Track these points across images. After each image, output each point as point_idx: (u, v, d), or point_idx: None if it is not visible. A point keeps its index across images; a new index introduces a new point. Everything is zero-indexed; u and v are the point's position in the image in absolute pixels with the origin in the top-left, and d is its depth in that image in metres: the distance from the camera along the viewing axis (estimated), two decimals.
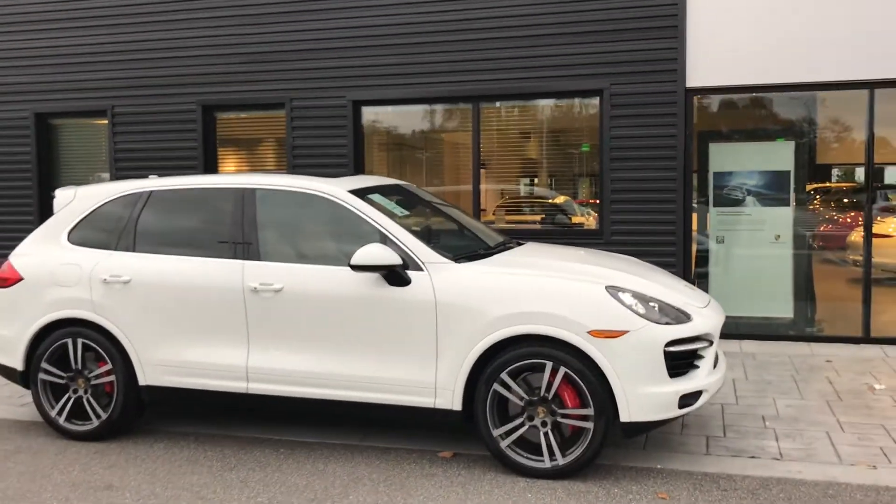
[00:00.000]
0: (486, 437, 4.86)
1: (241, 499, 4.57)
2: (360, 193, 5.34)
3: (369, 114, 9.42)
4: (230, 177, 5.60)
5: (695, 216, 8.71)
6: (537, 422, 4.78)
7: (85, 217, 5.76)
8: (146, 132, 9.98)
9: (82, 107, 10.20)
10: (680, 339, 4.72)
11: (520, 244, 6.12)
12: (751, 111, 8.65)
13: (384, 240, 5.07)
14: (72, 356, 5.55)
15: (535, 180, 9.26)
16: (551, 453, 4.76)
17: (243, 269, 5.26)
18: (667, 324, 4.72)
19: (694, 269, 8.71)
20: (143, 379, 5.44)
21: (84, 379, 5.55)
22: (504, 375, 4.78)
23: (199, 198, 5.55)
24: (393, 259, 4.86)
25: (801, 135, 8.48)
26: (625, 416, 4.63)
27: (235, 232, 5.37)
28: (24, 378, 5.70)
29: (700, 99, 8.59)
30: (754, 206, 8.58)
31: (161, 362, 5.39)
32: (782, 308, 8.59)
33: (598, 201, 8.79)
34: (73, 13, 10.12)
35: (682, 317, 4.84)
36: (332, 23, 9.26)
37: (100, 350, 5.49)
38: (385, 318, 4.96)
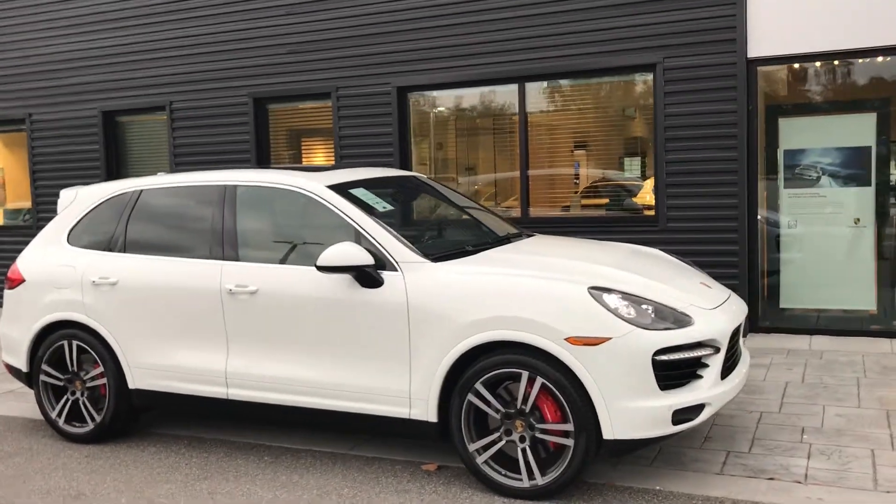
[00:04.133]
0: (462, 452, 4.47)
1: None
2: (342, 188, 5.02)
3: (415, 100, 9.08)
4: (215, 173, 5.41)
5: (763, 199, 7.93)
6: (515, 436, 4.35)
7: (83, 217, 5.72)
8: (202, 126, 10.02)
9: (144, 103, 10.35)
10: (674, 346, 4.17)
11: (529, 237, 5.66)
12: (825, 81, 7.76)
13: (358, 238, 4.74)
14: (68, 358, 5.53)
15: (582, 163, 8.68)
16: (530, 472, 4.32)
17: (221, 269, 5.06)
18: (664, 329, 4.18)
19: (762, 258, 7.94)
20: (133, 382, 5.34)
21: (80, 381, 5.51)
22: (479, 385, 4.37)
23: (184, 196, 5.39)
24: (362, 259, 4.52)
25: (883, 106, 7.54)
26: (608, 432, 4.13)
27: (216, 231, 5.17)
28: (29, 379, 5.72)
29: (765, 70, 7.77)
30: (830, 187, 7.72)
31: (148, 366, 5.27)
32: (863, 300, 7.70)
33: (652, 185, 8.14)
34: (133, 11, 10.25)
35: (683, 320, 4.28)
36: (373, 7, 8.96)
37: (92, 353, 5.43)
38: (357, 321, 4.64)
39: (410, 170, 9.10)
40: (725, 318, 4.49)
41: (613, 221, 8.24)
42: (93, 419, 5.48)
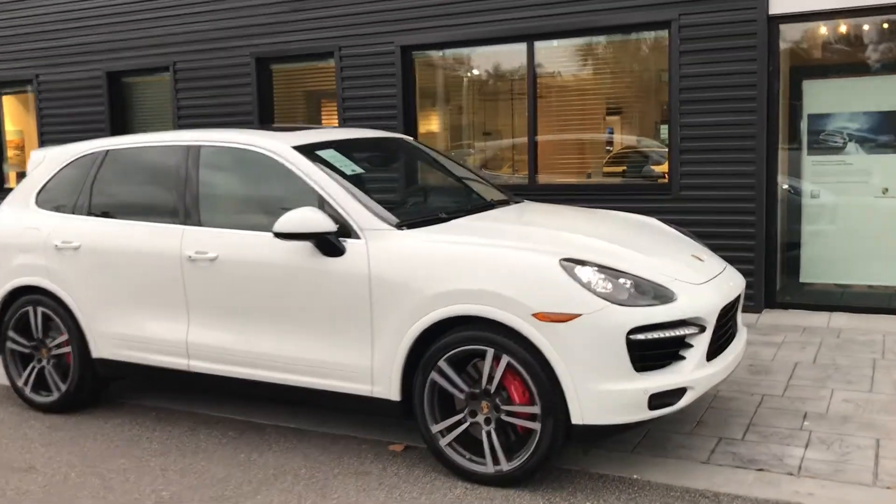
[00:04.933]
0: (424, 433, 4.16)
1: (145, 490, 4.14)
2: (308, 149, 4.69)
3: (420, 60, 8.69)
4: (181, 133, 5.12)
5: (785, 167, 7.43)
6: (480, 418, 4.03)
7: (50, 179, 5.48)
8: (206, 87, 9.74)
9: (148, 64, 10.09)
10: (652, 324, 3.80)
11: (517, 203, 5.30)
12: (853, 40, 7.21)
13: (322, 203, 4.41)
14: (33, 325, 5.33)
15: (596, 127, 8.24)
16: (494, 456, 4.00)
17: (182, 234, 4.79)
18: (643, 305, 3.81)
19: (781, 229, 7.46)
20: (96, 351, 5.12)
21: (46, 349, 5.31)
22: (442, 363, 4.05)
23: (150, 156, 5.11)
24: (322, 225, 4.20)
25: None
26: (576, 417, 3.79)
27: (179, 193, 4.89)
28: None
29: (788, 28, 7.24)
30: (857, 154, 7.20)
31: (110, 334, 5.04)
32: (889, 275, 7.20)
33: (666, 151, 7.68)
34: None
35: (665, 296, 3.91)
36: None
37: (57, 320, 5.21)
38: (318, 292, 4.33)
39: (415, 133, 8.74)
40: (714, 294, 4.10)
41: (625, 189, 7.81)
42: (58, 388, 5.29)
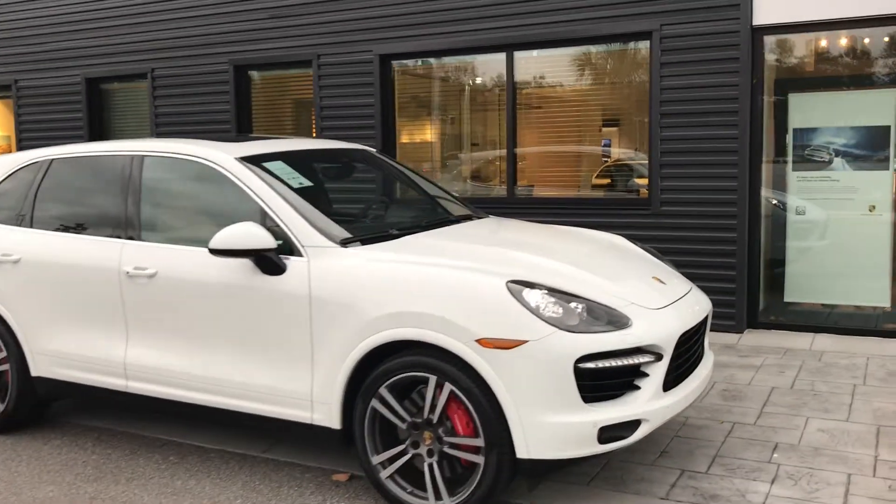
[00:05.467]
0: (364, 464, 3.93)
1: None
2: (254, 160, 4.47)
3: (398, 69, 8.48)
4: (126, 143, 4.91)
5: (769, 182, 7.20)
6: (423, 450, 3.79)
7: None
8: (184, 94, 9.55)
9: (126, 70, 9.90)
10: (604, 352, 3.56)
11: (479, 219, 5.07)
12: (841, 53, 6.98)
13: (264, 217, 4.19)
14: None
15: (576, 140, 8.01)
16: (436, 491, 3.76)
17: (122, 249, 4.57)
18: (595, 332, 3.58)
19: (765, 246, 7.23)
20: (35, 370, 4.90)
21: None
22: (383, 390, 3.81)
23: (94, 166, 4.90)
24: (261, 241, 3.97)
25: None
26: (521, 450, 3.55)
27: (121, 206, 4.67)
28: None
29: (773, 39, 7.01)
30: (844, 170, 6.96)
31: (50, 352, 4.82)
32: (877, 296, 6.95)
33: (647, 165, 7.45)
34: None
35: (620, 321, 3.67)
36: None
37: None
38: (258, 313, 4.10)
39: (394, 143, 8.53)
40: (673, 320, 3.86)
41: (604, 204, 7.58)
42: None
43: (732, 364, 6.13)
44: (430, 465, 3.76)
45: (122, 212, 4.64)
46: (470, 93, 8.38)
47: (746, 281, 7.04)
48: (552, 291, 3.67)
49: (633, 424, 3.62)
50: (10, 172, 5.22)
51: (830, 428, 4.77)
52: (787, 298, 7.29)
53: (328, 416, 3.97)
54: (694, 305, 4.17)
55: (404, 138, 8.69)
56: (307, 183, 4.49)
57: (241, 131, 9.31)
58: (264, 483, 4.27)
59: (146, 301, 4.43)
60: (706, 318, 4.31)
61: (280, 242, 4.08)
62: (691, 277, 7.07)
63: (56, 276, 4.74)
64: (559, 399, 3.50)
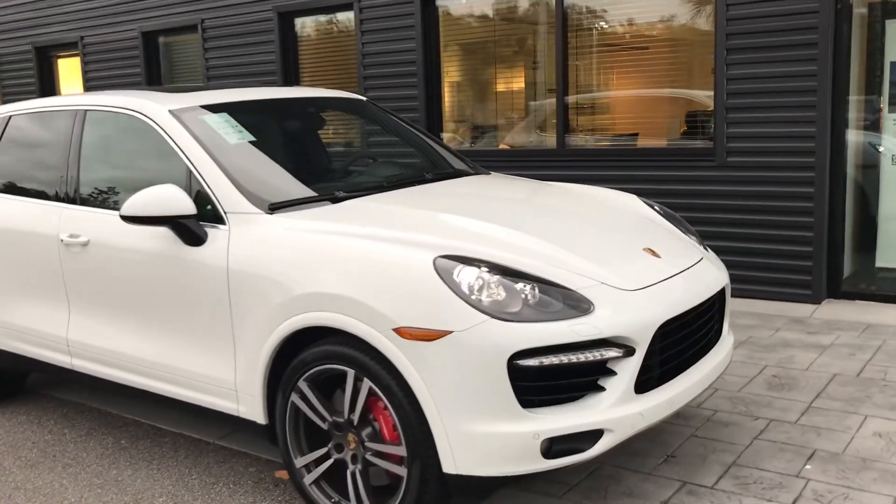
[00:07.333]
0: (287, 466, 3.38)
1: None
2: (190, 113, 3.90)
3: (443, 10, 7.74)
4: (75, 97, 4.47)
5: (858, 126, 6.10)
6: (347, 455, 3.21)
7: None
8: (232, 45, 9.15)
9: (178, 22, 9.60)
10: (550, 346, 2.84)
11: (473, 175, 4.39)
12: None
13: (189, 178, 3.66)
14: None
15: (641, 82, 7.06)
16: (360, 502, 3.18)
17: (61, 215, 4.15)
18: (546, 319, 2.86)
19: (851, 201, 6.16)
20: None
21: None
22: (301, 383, 3.24)
23: (44, 123, 4.49)
24: (177, 207, 3.45)
25: None
26: (448, 464, 2.90)
27: (62, 167, 4.25)
28: None
29: None
30: None
31: (3, 323, 4.50)
32: None
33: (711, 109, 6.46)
34: None
35: (580, 306, 2.94)
36: None
37: None
38: (179, 288, 3.60)
39: (440, 90, 7.83)
40: (654, 304, 3.07)
41: (663, 155, 6.65)
42: None
43: (795, 343, 5.20)
44: (353, 473, 3.17)
45: (64, 173, 4.22)
46: (519, 34, 7.55)
47: (826, 242, 6.01)
48: (495, 269, 2.96)
49: (593, 435, 2.90)
50: None
51: (891, 432, 3.86)
52: (879, 263, 6.22)
53: (252, 408, 3.44)
54: (696, 282, 3.37)
55: (450, 82, 7.97)
56: (250, 138, 3.90)
57: (288, 81, 8.84)
58: (203, 476, 3.82)
59: (81, 272, 4.01)
60: (717, 295, 3.49)
61: (209, 208, 3.54)
62: (762, 239, 6.13)
63: (3, 243, 4.40)
64: (490, 403, 2.82)
